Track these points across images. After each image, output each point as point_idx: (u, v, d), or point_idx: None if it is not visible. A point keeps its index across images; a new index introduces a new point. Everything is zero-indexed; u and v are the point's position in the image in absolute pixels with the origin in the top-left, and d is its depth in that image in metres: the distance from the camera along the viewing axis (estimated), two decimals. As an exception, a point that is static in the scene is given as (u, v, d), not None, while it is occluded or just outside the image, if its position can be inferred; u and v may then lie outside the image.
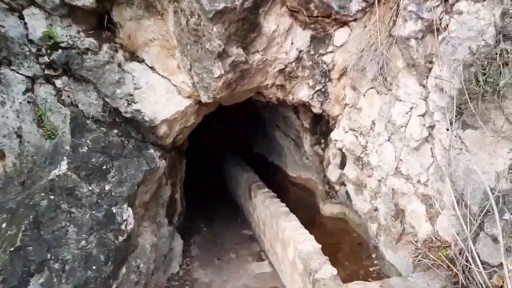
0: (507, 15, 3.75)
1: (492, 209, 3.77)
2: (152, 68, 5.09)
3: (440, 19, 4.33)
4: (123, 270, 4.40)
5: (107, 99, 4.85)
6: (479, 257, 3.85)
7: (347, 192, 7.02)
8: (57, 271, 3.86)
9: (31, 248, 3.87)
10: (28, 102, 4.51)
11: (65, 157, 4.39)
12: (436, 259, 4.36)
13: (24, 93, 4.49)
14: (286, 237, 5.62)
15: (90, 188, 4.37)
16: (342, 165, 6.75)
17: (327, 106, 6.10)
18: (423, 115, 4.90)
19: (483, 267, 3.78)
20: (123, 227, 4.41)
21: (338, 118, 6.25)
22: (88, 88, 4.81)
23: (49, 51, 4.62)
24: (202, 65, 4.89)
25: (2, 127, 4.33)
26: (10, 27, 4.42)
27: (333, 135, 6.25)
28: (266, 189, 7.43)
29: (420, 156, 5.01)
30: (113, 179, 4.53)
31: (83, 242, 4.09)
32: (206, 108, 5.81)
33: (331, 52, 5.77)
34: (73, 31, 4.71)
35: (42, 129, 4.58)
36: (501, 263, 3.64)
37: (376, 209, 5.80)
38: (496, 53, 3.74)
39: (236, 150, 11.58)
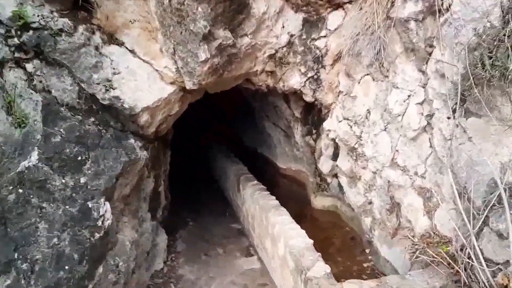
0: (515, -6, 3.47)
1: (498, 203, 3.51)
2: (132, 51, 4.74)
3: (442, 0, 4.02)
4: (100, 269, 4.08)
5: (83, 85, 4.48)
6: (482, 254, 3.61)
7: (339, 185, 6.77)
8: (25, 272, 3.53)
9: (-4, 247, 3.52)
10: (-4, 87, 4.13)
11: (36, 147, 4.02)
12: (435, 256, 4.09)
13: (-9, 78, 4.10)
14: (276, 232, 5.35)
15: (63, 181, 4.02)
16: (335, 156, 6.48)
17: (319, 94, 5.82)
18: (421, 103, 4.64)
19: (487, 265, 3.54)
20: (99, 223, 4.09)
21: (331, 106, 5.97)
22: (62, 73, 4.43)
23: (19, 32, 4.21)
24: (186, 49, 4.55)
25: (-35, 115, 3.95)
26: (-26, 5, 4.03)
27: (326, 124, 5.97)
28: (255, 182, 7.16)
29: (417, 146, 4.76)
30: (89, 171, 4.19)
31: (55, 240, 3.76)
32: (192, 95, 5.48)
33: (325, 36, 5.50)
34: (45, 10, 4.33)
35: (12, 117, 4.18)
36: (507, 261, 3.41)
37: (370, 202, 5.54)
38: (504, 35, 3.45)
39: (225, 141, 11.29)
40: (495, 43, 3.52)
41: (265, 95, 7.50)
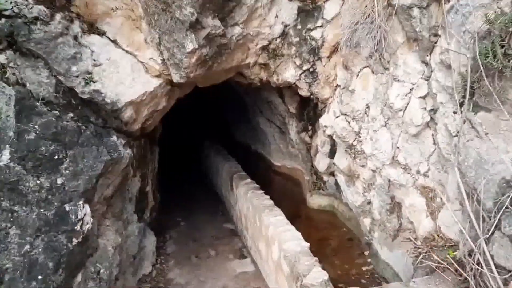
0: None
1: (511, 205, 3.23)
2: (114, 42, 4.44)
3: (448, -16, 3.76)
4: (79, 278, 3.77)
5: (60, 78, 4.15)
6: (493, 260, 3.34)
7: (336, 183, 6.53)
8: (-7, 283, 3.20)
9: (-40, 255, 3.20)
10: (-36, 80, 3.80)
11: (8, 145, 3.69)
12: (441, 261, 3.80)
13: (-41, 70, 3.77)
14: (270, 235, 5.08)
15: (38, 182, 3.69)
16: (332, 153, 6.22)
17: (315, 88, 5.54)
18: (424, 97, 4.41)
19: (498, 272, 3.26)
20: (78, 227, 3.77)
21: (328, 101, 5.68)
22: (37, 65, 4.11)
23: (-10, 20, 3.89)
24: (172, 38, 4.24)
25: None
26: None
27: (322, 120, 5.67)
28: (249, 180, 6.86)
29: (420, 143, 4.54)
30: (67, 171, 3.86)
31: (27, 247, 3.43)
32: (180, 89, 5.16)
33: (321, 26, 5.22)
34: (19, -3, 3.99)
35: (-18, 112, 3.86)
36: (521, 268, 3.12)
37: (369, 202, 5.28)
38: (519, 21, 3.16)
39: (217, 137, 10.98)
40: (508, 30, 3.23)
41: (258, 90, 7.23)
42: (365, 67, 4.95)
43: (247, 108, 9.70)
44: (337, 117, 5.38)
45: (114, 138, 4.39)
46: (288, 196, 8.16)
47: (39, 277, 3.39)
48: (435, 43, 4.07)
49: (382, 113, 4.79)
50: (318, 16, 5.14)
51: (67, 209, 3.76)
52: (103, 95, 4.34)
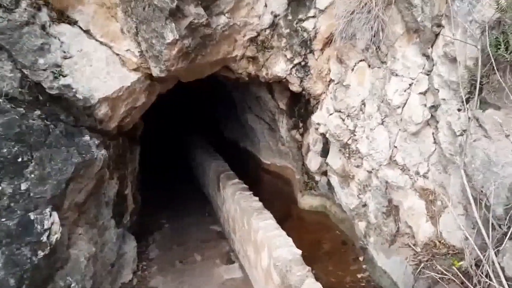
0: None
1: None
2: (87, 32, 4.13)
3: (454, -31, 3.47)
4: (46, 294, 3.38)
5: (26, 71, 3.77)
6: (503, 272, 3.07)
7: (329, 183, 6.27)
8: None
9: None
10: None
11: (-36, 147, 3.29)
12: (445, 272, 3.48)
13: None
14: (259, 240, 4.78)
15: (-1, 188, 3.29)
16: (325, 152, 5.94)
17: (307, 83, 5.26)
18: (424, 93, 4.13)
19: (509, 285, 3.00)
20: (44, 238, 3.39)
21: (321, 97, 5.38)
22: (0, 57, 3.70)
23: None
24: (150, 28, 3.90)
25: None
26: None
27: (315, 117, 5.35)
28: (237, 180, 6.55)
29: (419, 142, 4.29)
30: (32, 176, 3.48)
31: (-16, 263, 3.03)
32: (161, 84, 4.80)
33: (313, 17, 4.96)
34: (-21, -19, 3.62)
35: None
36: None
37: (364, 205, 5.00)
38: (535, 8, 2.84)
39: (205, 134, 10.69)
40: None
41: (246, 85, 6.97)
42: (360, 61, 4.67)
43: (235, 104, 9.41)
44: (330, 114, 5.06)
45: (87, 137, 4.02)
46: (278, 196, 7.92)
47: (-2, 296, 3.01)
48: (438, 34, 3.76)
49: (379, 110, 4.49)
50: (311, 6, 4.89)
51: (32, 217, 3.39)
52: (74, 90, 4.01)
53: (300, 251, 4.28)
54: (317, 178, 6.64)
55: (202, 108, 12.64)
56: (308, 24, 4.92)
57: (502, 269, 3.06)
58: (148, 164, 7.49)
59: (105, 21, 4.11)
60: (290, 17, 4.88)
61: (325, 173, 6.33)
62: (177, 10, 3.76)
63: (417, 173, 4.32)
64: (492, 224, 3.18)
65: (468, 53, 3.39)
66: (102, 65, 4.16)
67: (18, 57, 3.72)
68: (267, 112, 7.54)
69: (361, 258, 5.21)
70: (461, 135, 3.57)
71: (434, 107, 4.01)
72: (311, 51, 5.07)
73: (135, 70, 4.36)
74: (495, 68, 3.04)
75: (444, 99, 3.83)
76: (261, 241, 4.71)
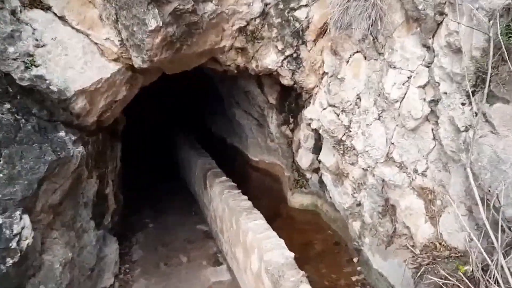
0: None
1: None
2: (62, 18, 3.81)
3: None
4: (16, 305, 3.07)
5: (-7, 61, 3.44)
6: (513, 278, 2.87)
7: (320, 181, 6.05)
8: None
9: None
10: None
11: None
12: (449, 277, 3.26)
13: None
14: (249, 242, 4.56)
15: (-39, 189, 2.97)
16: (316, 149, 5.73)
17: (299, 76, 5.01)
18: (423, 87, 3.89)
19: (518, 292, 2.81)
20: (14, 244, 3.10)
21: (313, 91, 5.13)
22: (-36, 45, 3.41)
23: None
24: (131, 14, 3.61)
25: None
26: None
27: (307, 112, 5.09)
28: (224, 178, 6.32)
29: (417, 139, 4.08)
30: (0, 175, 3.19)
31: None
32: (144, 76, 4.50)
33: (306, 5, 4.69)
34: None
35: None
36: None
37: (359, 204, 4.77)
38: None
39: (191, 129, 10.44)
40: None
41: (234, 78, 6.74)
42: (356, 52, 4.41)
43: (222, 98, 9.20)
44: (324, 109, 4.81)
45: (62, 133, 3.71)
46: (266, 194, 7.76)
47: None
48: (441, 23, 3.53)
49: (376, 105, 4.26)
50: (303, -7, 4.56)
51: (0, 222, 3.05)
52: (47, 82, 3.70)
53: (293, 254, 4.07)
54: (308, 175, 6.42)
55: (188, 102, 12.33)
56: (300, 13, 4.65)
57: (512, 274, 2.87)
58: (131, 161, 7.21)
59: (82, 7, 3.79)
60: (281, 6, 4.62)
61: (316, 171, 6.12)
62: (160, -6, 3.47)
63: (415, 171, 4.10)
64: (502, 226, 2.97)
65: (474, 42, 3.17)
66: (78, 55, 3.86)
67: (-16, 45, 3.41)
68: (255, 107, 7.28)
69: (355, 260, 5.01)
70: (466, 130, 3.36)
71: (434, 102, 3.79)
72: (304, 42, 4.82)
73: (115, 60, 4.07)
74: (506, 58, 2.80)
75: (445, 93, 3.61)
76: (251, 243, 4.48)
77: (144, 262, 5.85)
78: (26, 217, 3.23)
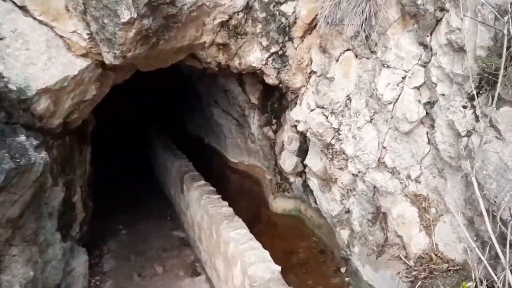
0: None
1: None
2: (23, 8, 3.48)
3: None
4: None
5: None
6: (522, 297, 2.67)
7: (304, 185, 5.77)
8: None
9: None
10: None
11: None
12: (450, 293, 3.04)
13: None
14: (230, 253, 4.29)
15: None
16: (301, 152, 5.52)
17: (285, 74, 4.75)
18: (418, 88, 3.68)
19: (528, 312, 2.60)
20: (-38, 267, 2.64)
21: (300, 91, 4.87)
22: None
23: None
24: (101, 4, 3.30)
25: None
26: None
27: (294, 114, 4.82)
28: (203, 182, 6.01)
29: (411, 143, 3.89)
30: None
31: None
32: (116, 74, 4.16)
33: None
34: None
35: None
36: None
37: (348, 211, 4.51)
38: None
39: (167, 129, 10.08)
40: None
41: (213, 76, 6.43)
42: (347, 50, 4.17)
43: (200, 97, 8.90)
44: (312, 110, 4.54)
45: (22, 138, 3.30)
46: (246, 197, 7.53)
47: None
48: (440, 19, 3.31)
49: (368, 106, 4.02)
50: (289, -14, 4.28)
51: None
52: (5, 79, 3.35)
53: (279, 268, 3.82)
54: (291, 179, 6.18)
55: (164, 100, 11.93)
56: (287, 8, 4.38)
57: (521, 293, 2.65)
58: (102, 163, 6.80)
59: (46, -4, 3.41)
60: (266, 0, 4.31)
61: (300, 174, 5.89)
62: (134, -18, 3.11)
63: (408, 176, 3.90)
64: (505, 239, 2.75)
65: (478, 41, 2.94)
66: (41, 49, 3.52)
67: None
68: (235, 107, 6.99)
69: (343, 270, 4.78)
70: (467, 135, 3.14)
71: (430, 104, 3.59)
72: (290, 39, 4.55)
73: (83, 56, 3.74)
74: (519, 56, 2.58)
75: (443, 95, 3.41)
76: (233, 254, 4.21)
77: (116, 273, 5.48)
78: (-22, 235, 2.82)
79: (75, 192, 4.57)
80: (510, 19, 2.63)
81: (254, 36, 4.51)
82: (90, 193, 5.42)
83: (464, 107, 3.19)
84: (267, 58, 4.66)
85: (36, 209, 3.66)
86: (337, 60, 4.23)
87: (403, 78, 3.70)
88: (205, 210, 5.15)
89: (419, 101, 3.67)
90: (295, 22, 4.43)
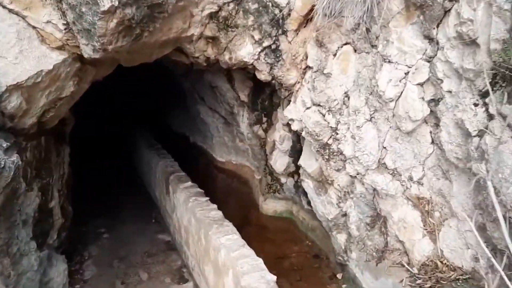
0: None
1: None
2: None
3: None
4: None
5: None
6: (542, 311, 2.48)
7: (296, 185, 5.64)
8: None
9: None
10: None
11: None
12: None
13: None
14: (221, 261, 4.03)
15: None
16: (294, 152, 5.32)
17: (279, 70, 4.51)
18: (422, 84, 3.51)
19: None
20: None
21: (294, 88, 4.64)
22: None
23: None
24: None
25: None
26: None
27: (287, 112, 4.59)
28: (190, 183, 5.73)
29: (413, 143, 3.73)
30: None
31: None
32: (95, 69, 3.88)
33: None
34: None
35: None
36: None
37: (344, 215, 4.30)
38: None
39: (151, 127, 9.83)
40: None
41: (200, 72, 6.15)
42: (345, 44, 3.95)
43: (185, 94, 8.61)
44: (307, 108, 4.30)
45: (-10, 139, 2.95)
46: (234, 198, 7.31)
47: None
48: (449, 10, 3.12)
49: (367, 104, 3.83)
50: (284, -25, 4.06)
51: None
52: None
53: (275, 277, 3.57)
54: (282, 180, 5.97)
55: (147, 96, 11.65)
56: (281, -1, 4.12)
57: (540, 306, 2.46)
58: (82, 163, 6.49)
59: (16, -19, 3.10)
60: (258, -11, 4.08)
61: (292, 175, 5.69)
62: (115, -34, 2.82)
63: (410, 178, 3.74)
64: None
65: (493, 33, 2.73)
66: (12, 41, 3.29)
67: None
68: (224, 104, 6.73)
69: (339, 276, 4.56)
70: (479, 135, 2.94)
71: (435, 101, 3.43)
72: (284, 32, 4.32)
73: (59, 48, 3.50)
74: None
75: (450, 91, 3.24)
76: (224, 262, 3.94)
77: (97, 281, 5.19)
78: None
79: (52, 196, 4.26)
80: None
81: (245, 29, 4.27)
82: (69, 197, 5.11)
83: (475, 104, 2.99)
84: (259, 52, 4.42)
85: (8, 217, 3.33)
86: (334, 55, 4.01)
87: (406, 74, 3.54)
88: (192, 214, 4.87)
89: (423, 98, 3.48)
90: (289, 14, 4.20)
